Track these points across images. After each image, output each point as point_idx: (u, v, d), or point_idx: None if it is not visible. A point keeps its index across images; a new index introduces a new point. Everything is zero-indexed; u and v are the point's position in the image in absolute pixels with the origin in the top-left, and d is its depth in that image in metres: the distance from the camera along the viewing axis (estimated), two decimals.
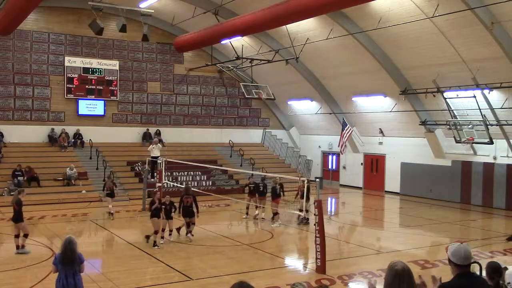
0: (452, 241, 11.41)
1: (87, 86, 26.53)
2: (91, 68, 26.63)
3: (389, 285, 3.79)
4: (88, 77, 26.56)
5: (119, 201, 22.02)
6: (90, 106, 26.72)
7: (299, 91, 28.80)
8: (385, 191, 26.68)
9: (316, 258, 11.47)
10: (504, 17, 17.20)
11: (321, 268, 11.33)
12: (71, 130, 26.05)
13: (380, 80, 23.63)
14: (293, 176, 21.18)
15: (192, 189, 20.88)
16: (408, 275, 3.80)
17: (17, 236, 12.92)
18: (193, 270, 11.52)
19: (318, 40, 22.10)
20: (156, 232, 13.58)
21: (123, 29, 20.67)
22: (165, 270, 11.71)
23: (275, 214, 17.06)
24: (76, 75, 26.29)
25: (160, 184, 19.92)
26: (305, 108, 30.11)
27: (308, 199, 15.74)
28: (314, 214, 11.97)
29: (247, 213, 18.31)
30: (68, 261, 7.35)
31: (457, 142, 21.31)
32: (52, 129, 25.66)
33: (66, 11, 25.92)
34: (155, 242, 13.52)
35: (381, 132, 26.65)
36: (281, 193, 17.96)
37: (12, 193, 20.98)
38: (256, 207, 17.96)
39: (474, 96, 19.67)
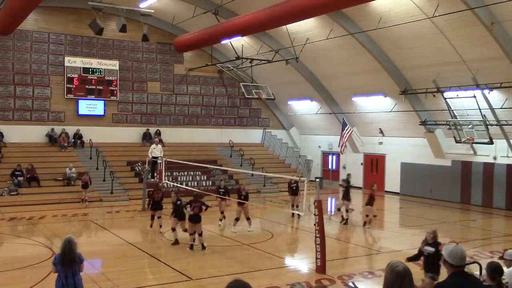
0: (456, 241, 11.40)
1: (87, 86, 26.52)
2: (91, 68, 26.62)
3: (391, 286, 3.81)
4: (88, 77, 26.56)
5: (119, 201, 22.10)
6: (90, 106, 26.71)
7: (299, 91, 28.80)
8: (385, 191, 26.67)
9: (316, 258, 11.46)
10: (504, 17, 17.20)
11: (321, 268, 11.33)
12: (71, 130, 26.04)
13: (380, 80, 23.63)
14: (293, 176, 21.17)
15: (191, 189, 20.99)
16: (409, 275, 3.83)
17: None
18: (193, 270, 11.52)
19: (318, 40, 22.09)
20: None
21: (123, 29, 20.69)
22: (165, 270, 11.71)
23: (237, 219, 16.11)
24: (76, 75, 26.29)
25: (160, 184, 19.91)
26: (305, 108, 30.11)
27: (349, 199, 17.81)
28: (314, 214, 11.96)
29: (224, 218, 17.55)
30: (68, 261, 7.35)
31: (457, 142, 21.30)
32: (52, 129, 25.66)
33: (66, 11, 25.91)
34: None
35: (381, 132, 26.65)
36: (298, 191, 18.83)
37: (12, 193, 21.04)
38: (222, 212, 17.37)
39: (474, 96, 19.67)
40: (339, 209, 18.30)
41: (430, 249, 9.08)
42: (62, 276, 7.36)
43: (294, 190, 18.88)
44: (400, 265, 3.84)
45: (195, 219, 13.26)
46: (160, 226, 15.75)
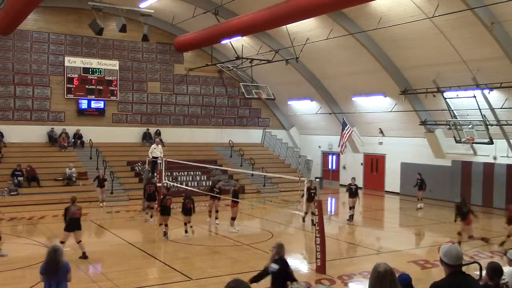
0: (452, 241, 11.39)
1: (87, 86, 26.53)
2: (91, 68, 26.62)
3: (372, 286, 3.89)
4: (88, 77, 26.56)
5: (119, 201, 22.10)
6: (90, 106, 26.72)
7: (299, 91, 28.80)
8: (385, 191, 26.67)
9: (316, 258, 11.46)
10: (504, 17, 17.20)
11: (321, 268, 11.33)
12: (71, 130, 26.05)
13: (380, 80, 23.63)
14: (293, 176, 21.18)
15: (191, 189, 21.02)
16: (391, 276, 3.88)
17: None
18: (193, 270, 11.51)
19: (318, 40, 22.09)
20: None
21: (123, 29, 20.68)
22: (165, 270, 11.72)
23: (233, 219, 16.12)
24: (76, 75, 26.29)
25: (160, 184, 19.93)
26: (305, 108, 30.11)
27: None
28: (314, 214, 11.96)
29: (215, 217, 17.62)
30: (52, 271, 6.97)
31: (457, 142, 21.31)
32: (52, 129, 25.66)
33: (66, 11, 25.92)
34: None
35: (381, 132, 26.65)
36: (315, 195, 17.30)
37: (12, 193, 21.05)
38: (217, 211, 17.38)
39: (474, 96, 19.67)
40: (351, 207, 18.29)
41: (274, 266, 7.49)
42: (46, 286, 7.02)
43: (312, 196, 17.17)
44: (382, 266, 3.92)
45: (188, 212, 15.25)
46: (151, 216, 17.82)
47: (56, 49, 25.96)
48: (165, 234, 14.74)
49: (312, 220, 16.55)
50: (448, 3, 17.16)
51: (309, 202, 17.13)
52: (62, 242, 11.83)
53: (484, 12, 17.06)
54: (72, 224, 12.39)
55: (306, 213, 17.46)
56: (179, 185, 22.19)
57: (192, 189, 21.33)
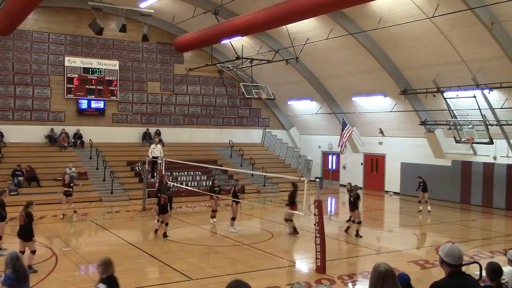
0: (452, 241, 11.38)
1: (87, 86, 26.52)
2: (91, 68, 26.62)
3: (373, 287, 3.89)
4: (88, 77, 26.55)
5: (119, 201, 22.09)
6: (90, 106, 26.73)
7: (299, 91, 28.80)
8: (385, 191, 26.66)
9: (316, 258, 11.46)
10: (504, 17, 17.20)
11: (321, 268, 11.33)
12: (71, 130, 26.04)
13: (380, 80, 23.63)
14: (293, 176, 21.17)
15: (192, 189, 21.04)
16: (391, 276, 3.88)
17: None
18: (193, 270, 11.51)
19: (318, 40, 22.10)
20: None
21: (123, 29, 20.67)
22: (165, 270, 11.71)
23: (233, 219, 16.07)
24: (76, 75, 26.29)
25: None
26: (305, 108, 30.12)
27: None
28: (314, 214, 11.97)
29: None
30: (23, 277, 6.57)
31: (457, 142, 21.31)
32: (52, 129, 25.66)
33: (66, 11, 25.92)
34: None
35: (381, 132, 26.65)
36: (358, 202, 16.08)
37: (12, 193, 21.03)
38: (215, 210, 17.60)
39: (474, 96, 19.67)
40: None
41: (101, 286, 6.45)
42: None
43: (353, 203, 15.85)
44: (383, 265, 3.92)
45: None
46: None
47: (56, 49, 25.96)
48: (156, 231, 15.26)
49: (357, 230, 15.43)
50: (448, 3, 17.16)
51: (353, 211, 15.75)
52: (21, 252, 10.85)
53: (484, 12, 17.06)
54: (18, 230, 11.70)
55: (353, 221, 15.77)
56: (179, 185, 22.20)
57: (192, 189, 21.43)
